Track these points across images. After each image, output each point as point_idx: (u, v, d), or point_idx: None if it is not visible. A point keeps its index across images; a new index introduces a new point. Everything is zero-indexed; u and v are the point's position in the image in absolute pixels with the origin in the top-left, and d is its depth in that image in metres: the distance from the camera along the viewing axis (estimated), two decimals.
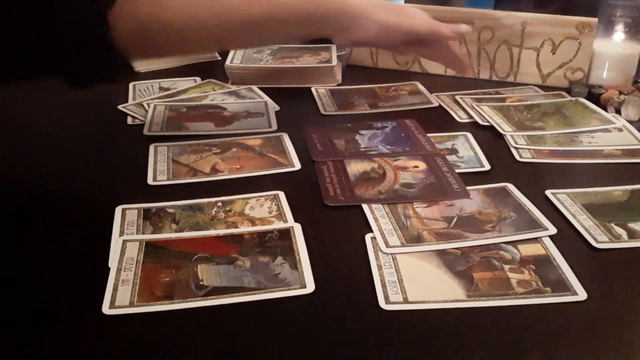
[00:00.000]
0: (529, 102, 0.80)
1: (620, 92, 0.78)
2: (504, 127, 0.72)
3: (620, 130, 0.71)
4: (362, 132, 0.71)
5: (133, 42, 0.56)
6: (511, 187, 0.59)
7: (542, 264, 0.48)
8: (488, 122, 0.74)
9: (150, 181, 0.61)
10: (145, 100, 0.81)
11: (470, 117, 0.76)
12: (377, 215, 0.54)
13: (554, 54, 0.84)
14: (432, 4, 0.94)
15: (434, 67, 0.91)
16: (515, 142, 0.69)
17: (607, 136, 0.70)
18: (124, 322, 0.42)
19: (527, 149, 0.67)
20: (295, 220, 0.53)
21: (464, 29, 0.72)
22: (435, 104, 0.80)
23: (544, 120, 0.74)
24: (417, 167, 0.63)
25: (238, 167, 0.63)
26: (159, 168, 0.63)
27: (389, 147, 0.67)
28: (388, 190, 0.58)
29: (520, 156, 0.66)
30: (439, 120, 0.76)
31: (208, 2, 0.59)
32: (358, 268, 0.48)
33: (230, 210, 0.55)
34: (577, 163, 0.65)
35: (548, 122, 0.73)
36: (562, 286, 0.45)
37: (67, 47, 0.52)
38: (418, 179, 0.60)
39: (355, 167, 0.63)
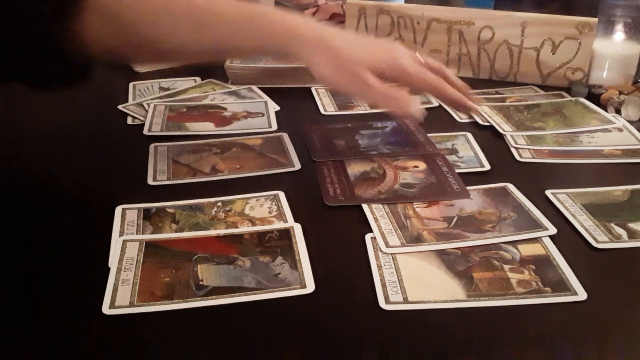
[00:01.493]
0: (529, 102, 0.80)
1: (620, 92, 0.78)
2: (504, 127, 0.72)
3: (620, 130, 0.71)
4: (362, 132, 0.71)
5: (94, 53, 0.57)
6: (511, 187, 0.59)
7: (542, 264, 0.48)
8: (488, 122, 0.74)
9: (150, 181, 0.61)
10: (145, 100, 0.81)
11: (470, 117, 0.76)
12: (377, 215, 0.54)
13: (554, 54, 0.84)
14: (432, 4, 0.94)
15: None
16: (515, 142, 0.69)
17: (607, 136, 0.70)
18: (124, 322, 0.42)
19: (527, 148, 0.67)
20: (295, 220, 0.53)
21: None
22: (435, 104, 0.80)
23: (543, 120, 0.74)
24: (417, 167, 0.63)
25: (238, 167, 0.63)
26: (159, 168, 0.63)
27: (389, 147, 0.67)
28: (388, 190, 0.58)
29: (520, 156, 0.66)
30: (439, 120, 0.76)
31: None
32: (358, 268, 0.48)
33: (230, 210, 0.55)
34: (577, 163, 0.65)
35: (548, 122, 0.74)
36: (562, 286, 0.45)
37: (21, 50, 0.53)
38: (418, 179, 0.60)
39: (355, 167, 0.63)
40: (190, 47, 0.60)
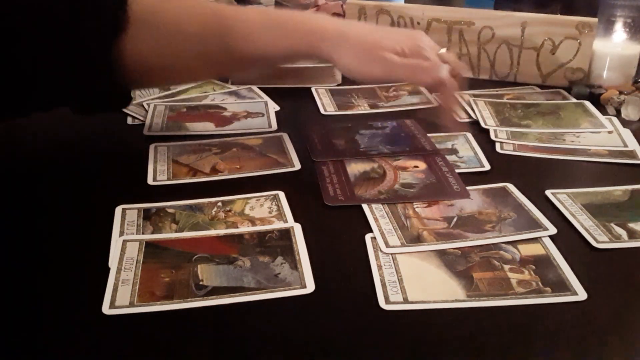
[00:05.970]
0: (527, 101, 0.80)
1: (620, 92, 0.78)
2: (488, 122, 0.73)
3: (609, 132, 0.71)
4: (362, 132, 0.71)
5: (137, 75, 0.60)
6: (511, 187, 0.59)
7: (542, 264, 0.48)
8: (475, 115, 0.74)
9: (150, 181, 0.61)
10: (145, 100, 0.81)
11: (470, 117, 0.76)
12: (377, 215, 0.54)
13: (554, 54, 0.85)
14: (432, 4, 0.94)
15: None
16: (496, 136, 0.70)
17: (593, 137, 0.70)
18: (124, 322, 0.42)
19: (510, 142, 0.68)
20: (295, 220, 0.53)
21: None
22: (435, 104, 0.80)
23: (533, 119, 0.74)
24: (417, 167, 0.63)
25: (238, 167, 0.63)
26: (159, 168, 0.63)
27: (389, 147, 0.67)
28: (388, 190, 0.58)
29: (502, 148, 0.67)
30: (439, 120, 0.76)
31: (188, 13, 0.60)
32: (358, 268, 0.48)
33: (230, 210, 0.55)
34: (570, 161, 0.65)
35: (537, 121, 0.74)
36: (562, 286, 0.45)
37: (72, 82, 0.56)
38: (418, 179, 0.60)
39: (355, 167, 0.63)
40: (220, 58, 0.61)
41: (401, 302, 0.44)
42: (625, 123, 0.74)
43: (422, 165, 0.63)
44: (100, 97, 0.60)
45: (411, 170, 0.62)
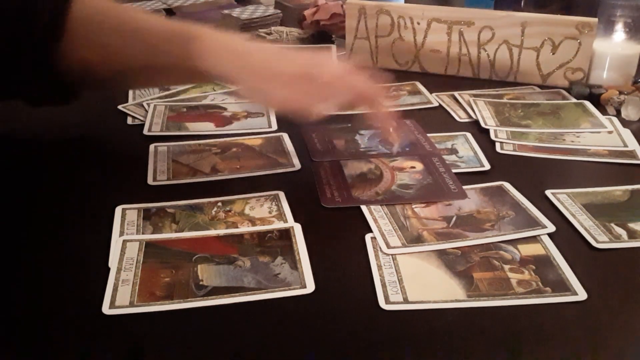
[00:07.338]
0: (527, 101, 0.80)
1: (620, 92, 0.78)
2: (488, 122, 0.73)
3: (609, 132, 0.71)
4: (362, 132, 0.71)
5: (80, 71, 0.60)
6: (507, 185, 0.59)
7: (542, 264, 0.48)
8: (475, 115, 0.74)
9: (150, 181, 0.61)
10: (145, 100, 0.81)
11: (470, 117, 0.76)
12: (376, 216, 0.54)
13: (554, 54, 0.84)
14: (432, 4, 0.94)
15: (434, 67, 0.91)
16: (496, 136, 0.70)
17: (593, 137, 0.70)
18: (124, 322, 0.42)
19: (510, 142, 0.68)
20: (295, 220, 0.53)
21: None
22: (435, 104, 0.80)
23: (533, 119, 0.74)
24: (414, 167, 0.63)
25: (238, 167, 0.63)
26: (159, 168, 0.63)
27: (388, 147, 0.67)
28: (385, 192, 0.58)
29: (502, 148, 0.67)
30: (439, 120, 0.76)
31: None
32: (358, 268, 0.48)
33: (230, 210, 0.55)
34: (568, 160, 0.65)
35: (537, 120, 0.74)
36: (562, 286, 0.45)
37: (17, 81, 0.60)
38: (415, 180, 0.60)
39: (352, 168, 0.63)
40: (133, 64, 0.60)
41: (401, 302, 0.44)
42: (625, 123, 0.74)
43: (419, 166, 0.63)
44: (46, 94, 0.62)
45: (408, 171, 0.62)
